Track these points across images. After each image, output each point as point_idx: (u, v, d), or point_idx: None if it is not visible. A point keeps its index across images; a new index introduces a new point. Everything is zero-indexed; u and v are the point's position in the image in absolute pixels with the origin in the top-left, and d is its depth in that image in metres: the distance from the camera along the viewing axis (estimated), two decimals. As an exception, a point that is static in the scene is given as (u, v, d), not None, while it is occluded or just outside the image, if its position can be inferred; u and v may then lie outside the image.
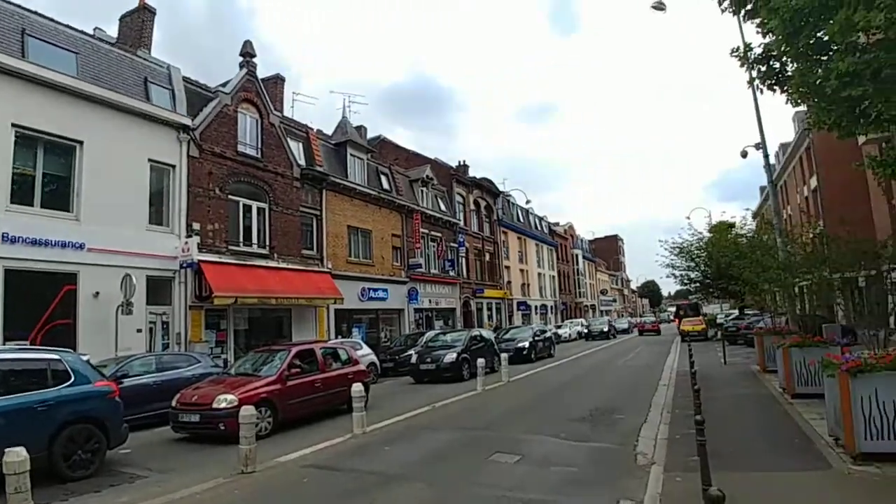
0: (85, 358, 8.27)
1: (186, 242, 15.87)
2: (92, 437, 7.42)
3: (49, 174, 13.30)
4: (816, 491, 5.41)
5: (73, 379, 7.43)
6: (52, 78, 13.14)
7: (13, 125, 12.43)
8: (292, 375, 10.46)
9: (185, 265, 15.79)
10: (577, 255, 65.51)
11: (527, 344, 22.97)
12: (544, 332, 27.41)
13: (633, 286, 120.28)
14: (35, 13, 14.14)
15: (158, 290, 15.40)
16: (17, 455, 5.27)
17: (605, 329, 41.18)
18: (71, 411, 7.24)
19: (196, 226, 16.47)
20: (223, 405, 9.12)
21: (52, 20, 14.49)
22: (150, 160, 15.57)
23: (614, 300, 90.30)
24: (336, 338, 20.26)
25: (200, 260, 15.99)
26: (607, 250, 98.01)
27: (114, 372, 10.69)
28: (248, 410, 7.36)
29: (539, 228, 53.95)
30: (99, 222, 13.78)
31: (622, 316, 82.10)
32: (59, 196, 13.43)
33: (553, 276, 55.68)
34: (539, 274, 51.44)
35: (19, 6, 13.78)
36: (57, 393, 7.15)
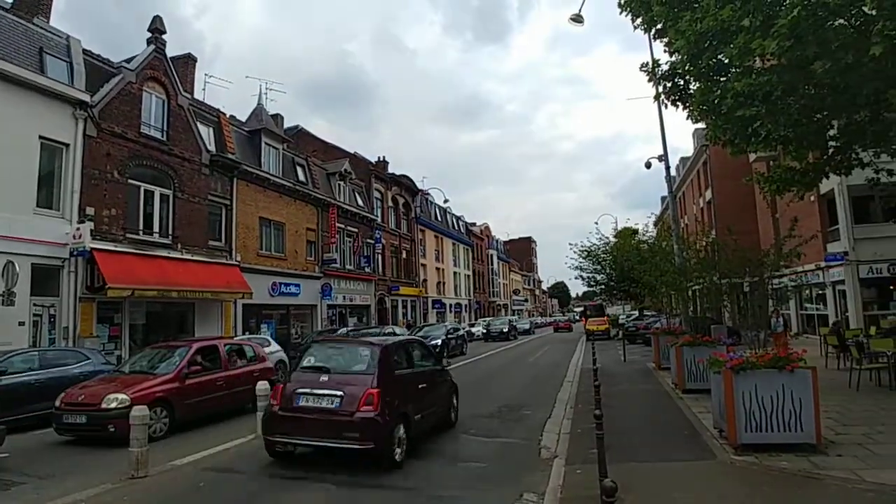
0: None
1: (79, 228, 14.63)
2: None
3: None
4: (702, 479, 5.80)
5: None
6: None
7: None
8: (192, 373, 9.89)
9: (76, 253, 14.54)
10: (492, 256, 66.87)
11: (439, 342, 23.12)
12: (457, 330, 27.78)
13: (544, 287, 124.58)
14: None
15: (45, 279, 14.12)
16: None
17: (505, 329, 38.45)
18: None
19: (90, 211, 15.24)
20: (113, 405, 8.47)
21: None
22: (41, 137, 14.25)
23: (526, 300, 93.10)
24: (244, 334, 19.46)
25: (94, 248, 14.81)
26: (521, 251, 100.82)
27: (-10, 368, 9.68)
28: (140, 411, 6.87)
29: (456, 228, 54.58)
30: (-23, 203, 12.47)
31: (532, 315, 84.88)
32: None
33: (468, 276, 56.53)
34: (455, 273, 52.05)
35: None
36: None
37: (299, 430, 6.88)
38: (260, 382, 9.43)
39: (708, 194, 34.23)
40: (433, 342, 22.85)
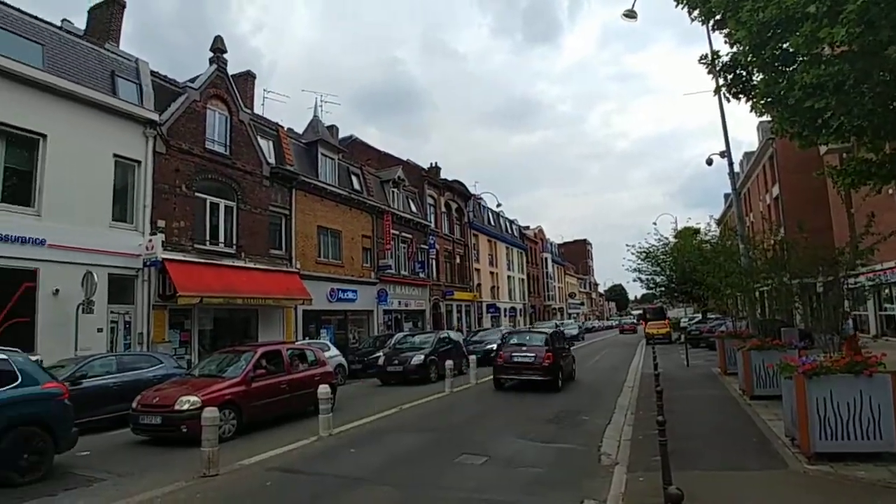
0: (34, 359, 7.86)
1: (151, 240, 15.46)
2: (38, 440, 7.10)
3: (10, 167, 12.87)
4: (773, 490, 5.55)
5: (20, 380, 7.08)
6: (17, 69, 12.70)
7: (-26, 117, 11.94)
8: (258, 377, 10.28)
9: (148, 263, 15.37)
10: (546, 259, 66.12)
11: (495, 346, 23.02)
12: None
13: (601, 290, 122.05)
14: (0, 2, 13.62)
15: (121, 288, 14.98)
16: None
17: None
18: (16, 414, 6.90)
19: (161, 223, 16.08)
20: (186, 407, 8.90)
21: (18, 10, 13.99)
22: (115, 155, 15.15)
23: (582, 304, 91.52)
24: (304, 339, 20.01)
25: (165, 258, 15.61)
26: (576, 254, 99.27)
27: (72, 372, 10.34)
28: (211, 412, 7.21)
29: (509, 232, 54.30)
30: (61, 218, 13.37)
31: (588, 319, 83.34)
32: (20, 190, 12.97)
33: (522, 280, 56.09)
34: (509, 277, 51.75)
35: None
36: (2, 394, 6.82)
37: (513, 371, 14.40)
38: (321, 386, 9.69)
39: (775, 190, 32.67)
40: (488, 346, 22.88)
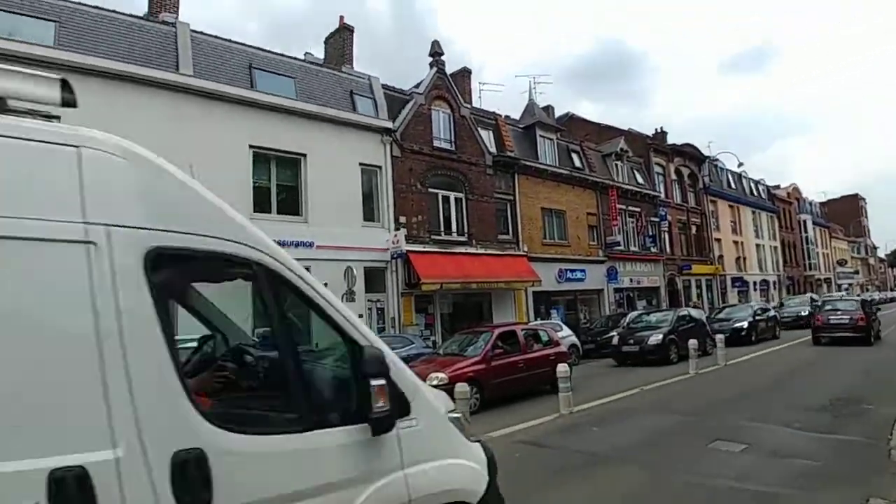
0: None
1: (395, 235, 17.33)
2: None
3: (281, 185, 15.60)
4: None
5: None
6: (277, 102, 15.35)
7: (250, 146, 14.82)
8: (496, 356, 10.88)
9: (395, 256, 17.28)
10: (804, 222, 56.89)
11: (745, 324, 20.76)
12: (766, 311, 24.36)
13: (882, 254, 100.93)
14: (258, 48, 16.62)
15: (374, 279, 17.10)
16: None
17: (804, 313, 27.66)
18: None
19: (402, 219, 17.92)
20: (436, 382, 9.77)
21: (271, 52, 16.89)
22: (360, 164, 17.32)
23: (856, 272, 76.73)
24: (535, 320, 20.47)
25: (408, 250, 17.37)
26: (845, 213, 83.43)
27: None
28: (462, 387, 7.96)
29: (755, 194, 48.08)
30: (323, 223, 15.75)
31: (867, 289, 69.78)
32: (290, 203, 15.66)
33: (775, 247, 49.25)
34: (757, 245, 45.88)
35: (245, 44, 16.33)
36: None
37: (830, 331, 17.99)
38: (560, 365, 9.89)
39: None
40: (737, 324, 20.75)
